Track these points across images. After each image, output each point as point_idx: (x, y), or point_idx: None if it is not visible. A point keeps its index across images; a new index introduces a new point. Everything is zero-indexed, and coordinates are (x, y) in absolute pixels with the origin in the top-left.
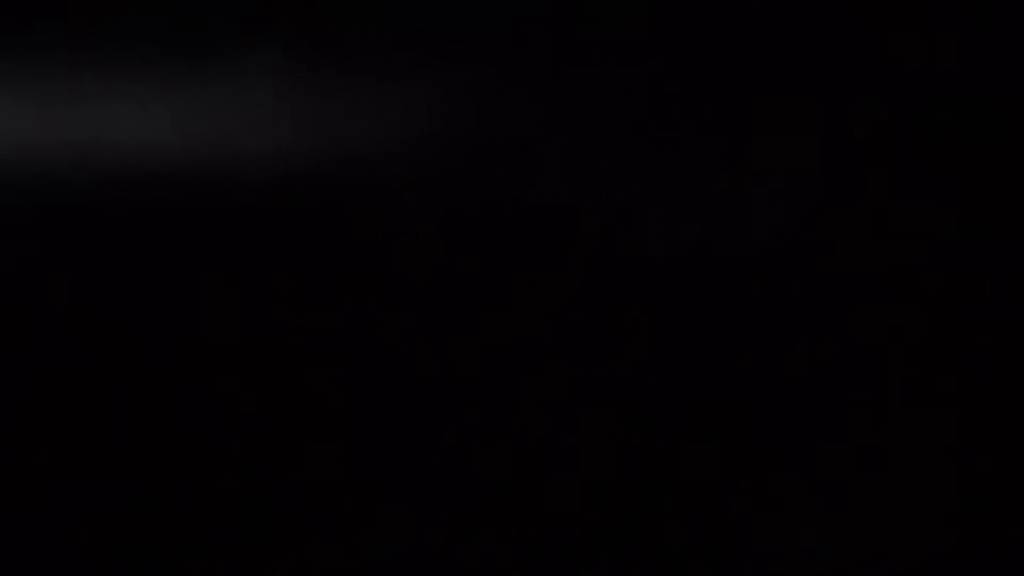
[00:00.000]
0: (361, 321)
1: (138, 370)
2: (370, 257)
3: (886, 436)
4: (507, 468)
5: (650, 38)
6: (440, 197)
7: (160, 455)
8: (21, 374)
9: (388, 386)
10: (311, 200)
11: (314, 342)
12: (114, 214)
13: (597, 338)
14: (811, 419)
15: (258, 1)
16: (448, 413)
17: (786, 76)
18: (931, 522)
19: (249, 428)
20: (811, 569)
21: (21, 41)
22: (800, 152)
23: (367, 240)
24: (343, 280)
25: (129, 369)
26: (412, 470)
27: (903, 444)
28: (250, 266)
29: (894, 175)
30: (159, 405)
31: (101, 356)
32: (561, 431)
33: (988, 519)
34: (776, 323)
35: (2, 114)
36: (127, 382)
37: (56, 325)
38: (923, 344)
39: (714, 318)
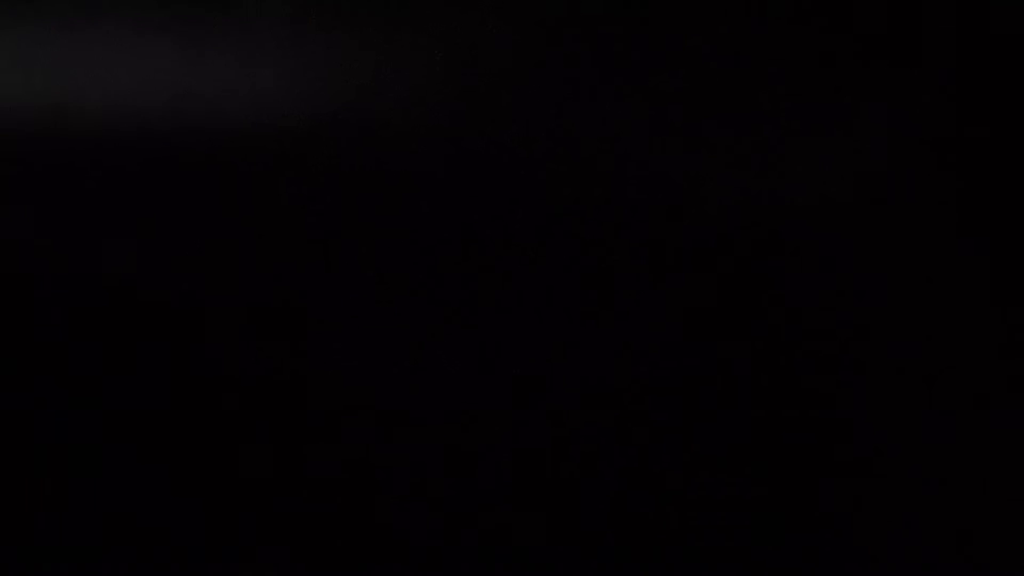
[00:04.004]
0: (360, 282)
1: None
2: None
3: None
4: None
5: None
6: (477, 159)
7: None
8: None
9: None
10: (312, 158)
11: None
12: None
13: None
14: (884, 391)
15: None
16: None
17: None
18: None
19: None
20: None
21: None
22: (869, 108)
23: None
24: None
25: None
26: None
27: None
28: (246, 228)
29: (964, 135)
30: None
31: (96, 322)
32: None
33: None
34: (839, 283)
35: None
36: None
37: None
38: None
39: (775, 276)
